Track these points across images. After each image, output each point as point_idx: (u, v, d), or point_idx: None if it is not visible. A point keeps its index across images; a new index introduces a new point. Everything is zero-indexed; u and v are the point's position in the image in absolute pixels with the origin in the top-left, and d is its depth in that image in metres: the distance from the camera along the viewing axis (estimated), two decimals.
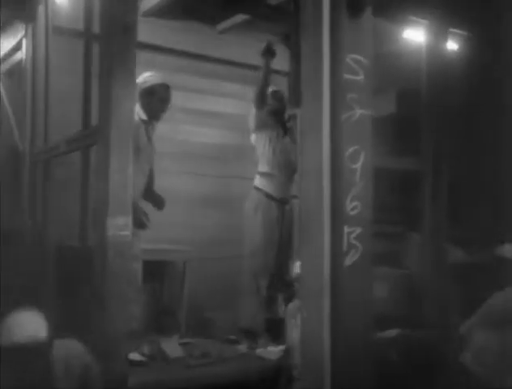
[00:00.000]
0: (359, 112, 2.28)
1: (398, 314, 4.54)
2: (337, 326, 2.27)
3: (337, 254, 2.27)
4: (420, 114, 4.32)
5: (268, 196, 4.57)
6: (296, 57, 2.91)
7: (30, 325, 2.29)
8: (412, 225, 4.79)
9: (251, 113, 4.70)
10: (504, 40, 4.66)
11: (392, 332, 4.42)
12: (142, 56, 4.97)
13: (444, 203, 4.39)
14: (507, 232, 4.51)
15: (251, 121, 4.73)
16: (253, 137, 4.77)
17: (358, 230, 2.28)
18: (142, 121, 4.21)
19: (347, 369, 2.30)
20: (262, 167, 4.65)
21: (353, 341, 2.30)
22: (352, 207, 2.28)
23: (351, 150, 2.28)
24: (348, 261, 2.27)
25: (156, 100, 4.25)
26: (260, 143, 4.70)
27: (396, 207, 5.31)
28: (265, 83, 4.57)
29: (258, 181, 4.64)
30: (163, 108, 4.32)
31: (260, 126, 4.68)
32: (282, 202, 4.62)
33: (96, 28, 3.97)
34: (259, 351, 3.96)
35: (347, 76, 2.27)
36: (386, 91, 5.18)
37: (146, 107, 4.23)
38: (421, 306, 4.33)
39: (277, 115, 4.78)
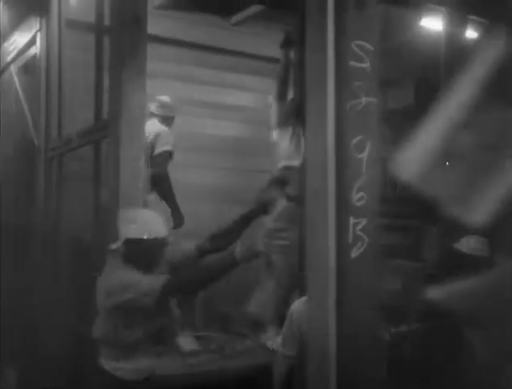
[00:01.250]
0: (365, 100, 2.22)
1: (413, 308, 4.47)
2: (343, 318, 2.21)
3: (343, 246, 2.21)
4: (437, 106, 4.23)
5: (288, 197, 4.39)
6: (300, 46, 2.84)
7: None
8: (429, 219, 4.72)
9: (273, 107, 4.51)
10: None
11: (407, 327, 4.36)
12: (157, 49, 4.99)
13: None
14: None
15: (273, 117, 4.52)
16: (275, 133, 4.54)
17: (364, 221, 2.22)
18: None
19: (353, 363, 2.24)
20: (286, 163, 4.43)
21: (359, 334, 2.24)
22: (358, 198, 2.21)
23: (356, 139, 2.21)
24: (354, 253, 2.21)
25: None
26: (283, 140, 4.45)
27: (413, 200, 5.21)
28: (285, 76, 4.40)
29: None
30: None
31: (283, 122, 4.45)
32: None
33: (108, 21, 3.96)
34: (269, 342, 3.93)
35: (352, 63, 2.20)
36: (403, 81, 5.09)
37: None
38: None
39: (302, 109, 4.62)
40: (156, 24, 4.74)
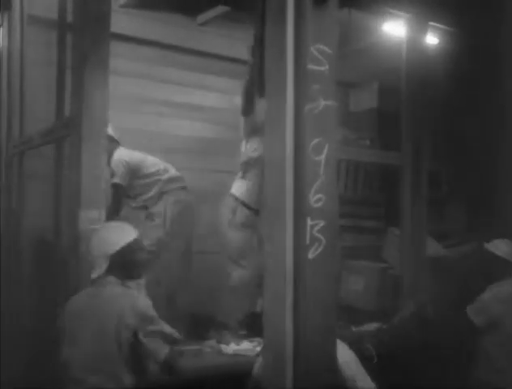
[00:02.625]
0: (323, 103, 2.24)
1: (376, 308, 4.54)
2: (300, 318, 2.23)
3: (300, 247, 2.23)
4: (400, 109, 4.30)
5: (245, 205, 4.32)
6: (260, 47, 2.86)
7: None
8: (392, 220, 4.79)
9: (241, 120, 4.37)
10: (486, 34, 4.63)
11: (370, 326, 4.42)
12: (121, 47, 4.95)
13: (423, 198, 4.38)
14: (487, 229, 4.50)
15: (241, 129, 4.40)
16: (243, 144, 4.44)
17: (322, 223, 2.24)
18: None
19: (310, 363, 2.26)
20: (246, 174, 4.35)
21: (316, 334, 2.26)
22: (316, 199, 2.23)
23: (314, 142, 2.23)
24: (311, 254, 2.23)
25: None
26: (249, 151, 4.34)
27: (376, 202, 5.30)
28: (251, 87, 4.11)
29: (238, 189, 4.36)
30: None
31: (250, 133, 4.33)
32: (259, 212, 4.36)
33: (71, 18, 3.91)
34: (234, 348, 3.91)
35: (311, 66, 2.22)
36: (367, 85, 5.16)
37: None
38: (399, 300, 4.33)
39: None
40: (121, 22, 4.72)
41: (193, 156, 5.59)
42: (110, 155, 4.42)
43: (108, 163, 4.35)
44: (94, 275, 2.87)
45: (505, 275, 3.72)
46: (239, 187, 4.34)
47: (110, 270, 2.85)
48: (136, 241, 2.95)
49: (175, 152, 5.48)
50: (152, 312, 2.78)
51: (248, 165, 4.33)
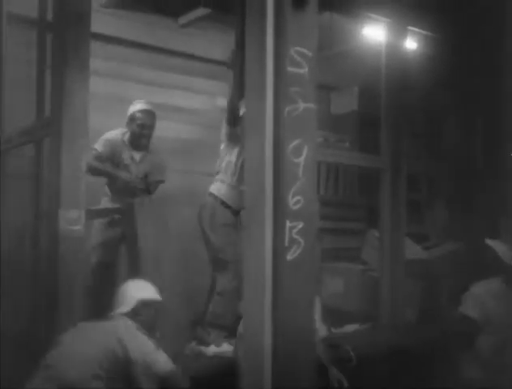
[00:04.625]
0: (302, 105, 2.26)
1: (356, 310, 4.58)
2: (279, 319, 2.24)
3: (279, 249, 2.24)
4: (380, 112, 4.35)
5: (224, 204, 4.34)
6: (241, 49, 2.87)
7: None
8: (371, 222, 4.83)
9: (223, 126, 4.33)
10: (465, 40, 4.69)
11: (350, 328, 4.46)
12: (104, 48, 4.94)
13: (403, 200, 4.43)
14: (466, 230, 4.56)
15: (222, 135, 4.37)
16: (222, 146, 4.41)
17: (300, 225, 2.26)
18: (124, 143, 4.59)
19: (289, 363, 2.28)
20: (226, 177, 4.31)
21: (295, 335, 2.28)
22: (295, 201, 2.25)
23: (294, 144, 2.25)
24: (290, 256, 2.25)
25: (136, 126, 4.58)
26: (230, 155, 4.33)
27: (356, 204, 5.35)
28: (236, 98, 4.13)
29: (217, 189, 4.31)
30: (143, 133, 4.63)
31: (233, 140, 4.31)
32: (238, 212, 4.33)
33: (51, 17, 3.89)
34: (214, 350, 3.91)
35: (290, 69, 2.24)
36: (347, 88, 5.20)
37: (130, 133, 4.61)
38: (378, 301, 4.36)
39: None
40: (102, 22, 4.70)
41: (174, 157, 5.58)
42: None
43: None
44: (119, 311, 3.07)
45: (497, 273, 3.75)
46: (218, 187, 4.34)
47: (131, 313, 3.06)
48: (160, 304, 3.20)
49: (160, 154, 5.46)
50: (150, 359, 2.83)
51: (228, 168, 4.34)
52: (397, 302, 4.36)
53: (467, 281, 3.80)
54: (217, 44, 5.01)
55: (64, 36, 3.53)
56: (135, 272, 4.33)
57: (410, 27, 4.23)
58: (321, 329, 4.04)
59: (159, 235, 4.79)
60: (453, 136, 5.09)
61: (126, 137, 4.66)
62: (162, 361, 2.85)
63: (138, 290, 3.18)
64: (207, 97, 5.39)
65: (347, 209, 5.41)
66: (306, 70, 2.28)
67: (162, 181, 4.79)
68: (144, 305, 3.10)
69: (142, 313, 3.09)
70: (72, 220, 3.48)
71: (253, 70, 2.29)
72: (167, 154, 5.51)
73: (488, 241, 3.84)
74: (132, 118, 4.60)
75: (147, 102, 4.68)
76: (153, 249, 4.70)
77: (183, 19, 5.27)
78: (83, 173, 3.54)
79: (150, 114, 4.64)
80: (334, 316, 4.45)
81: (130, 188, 4.54)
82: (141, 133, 4.63)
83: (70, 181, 3.47)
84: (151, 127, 4.68)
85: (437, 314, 4.35)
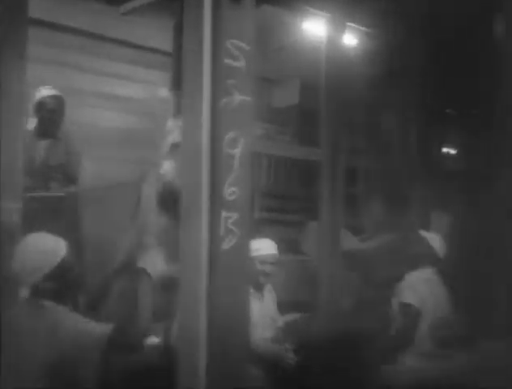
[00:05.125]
0: (239, 98, 2.29)
1: (296, 299, 4.67)
2: (213, 308, 2.29)
3: (215, 239, 2.28)
4: (320, 106, 4.43)
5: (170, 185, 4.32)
6: (178, 39, 2.89)
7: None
8: (311, 214, 4.92)
9: (168, 97, 4.42)
10: (404, 36, 4.82)
11: (290, 317, 4.54)
12: (43, 34, 4.83)
13: (340, 193, 4.53)
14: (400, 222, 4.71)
15: (169, 107, 4.43)
16: (169, 123, 4.48)
17: (235, 216, 2.30)
18: (36, 134, 4.42)
19: (224, 352, 2.32)
20: (174, 157, 4.37)
21: (229, 324, 2.32)
22: (230, 192, 2.29)
23: (229, 135, 2.28)
24: (225, 245, 2.29)
25: (45, 111, 4.44)
26: (177, 130, 4.40)
27: (296, 196, 5.44)
28: (179, 65, 4.21)
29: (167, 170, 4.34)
30: (53, 119, 4.49)
31: (179, 112, 4.39)
32: None
33: None
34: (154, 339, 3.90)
35: (227, 61, 2.27)
36: (289, 82, 5.28)
37: (38, 120, 4.45)
38: (317, 291, 4.46)
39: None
40: (43, 9, 4.61)
41: (116, 146, 5.52)
42: None
43: None
44: (25, 294, 2.61)
45: (429, 263, 3.90)
46: (165, 167, 4.32)
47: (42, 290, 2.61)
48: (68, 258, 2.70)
49: (98, 143, 5.40)
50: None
51: (174, 147, 4.31)
52: (335, 292, 4.47)
53: (401, 271, 3.94)
54: (158, 33, 4.97)
55: (0, 21, 3.44)
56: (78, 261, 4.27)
57: (349, 23, 4.32)
58: (277, 318, 4.13)
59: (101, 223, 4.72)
60: (390, 132, 5.24)
61: (33, 125, 4.50)
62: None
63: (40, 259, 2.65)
64: (149, 86, 5.35)
65: (288, 201, 5.49)
66: (243, 62, 2.31)
67: (77, 169, 4.63)
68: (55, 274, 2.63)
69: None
70: (10, 211, 3.42)
71: (191, 60, 2.31)
72: (108, 143, 5.46)
73: (421, 233, 4.00)
74: (40, 104, 4.46)
75: (53, 87, 4.57)
76: (96, 237, 4.64)
77: (125, 8, 5.20)
78: (21, 162, 3.48)
79: (58, 99, 4.52)
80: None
81: (45, 175, 4.43)
82: (50, 118, 4.50)
83: (7, 169, 3.41)
84: (61, 113, 4.56)
85: (373, 302, 4.48)
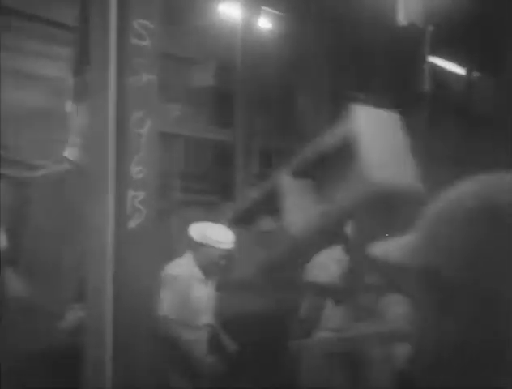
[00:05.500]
0: (145, 77, 2.30)
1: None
2: (120, 285, 2.30)
3: (121, 217, 2.29)
4: (235, 88, 4.48)
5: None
6: (85, 14, 2.84)
7: None
8: (226, 194, 4.99)
9: (70, 79, 4.32)
10: (317, 21, 4.92)
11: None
12: None
13: (255, 174, 4.63)
14: None
15: (71, 89, 4.33)
16: (70, 104, 4.39)
17: (142, 194, 2.31)
18: None
19: (130, 327, 2.34)
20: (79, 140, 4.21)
21: (136, 300, 2.34)
22: (137, 171, 2.30)
23: (136, 115, 2.29)
24: (132, 224, 2.30)
25: None
26: (81, 113, 4.17)
27: (212, 177, 5.48)
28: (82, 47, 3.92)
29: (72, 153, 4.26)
30: None
31: (81, 94, 4.16)
32: None
33: None
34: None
35: (134, 41, 2.27)
36: (205, 63, 5.28)
37: None
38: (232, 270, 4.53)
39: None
40: None
41: (24, 125, 5.34)
42: None
43: None
44: None
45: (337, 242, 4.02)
46: (72, 151, 4.23)
47: None
48: None
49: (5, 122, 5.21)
50: None
51: (81, 127, 4.24)
52: (250, 272, 4.56)
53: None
54: (65, 8, 4.83)
55: None
56: None
57: (264, 7, 4.38)
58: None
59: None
60: (304, 114, 5.36)
61: None
62: None
63: None
64: (57, 63, 5.20)
65: (204, 182, 5.51)
66: (149, 42, 2.32)
67: None
68: None
69: None
70: None
71: (98, 38, 2.30)
72: (17, 122, 5.27)
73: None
74: None
75: None
76: None
77: None
78: None
79: None
80: None
81: None
82: None
83: None
84: None
85: (288, 282, 4.59)
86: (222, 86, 4.97)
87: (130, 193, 2.30)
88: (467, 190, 0.65)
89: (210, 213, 5.41)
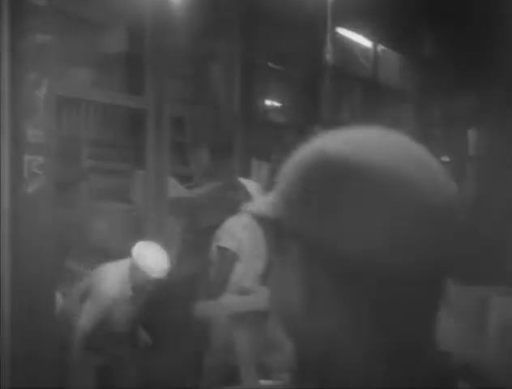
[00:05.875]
0: (42, 37, 2.23)
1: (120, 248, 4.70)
2: (17, 251, 2.26)
3: (18, 182, 2.24)
4: (147, 55, 4.40)
5: None
6: None
7: None
8: (137, 162, 4.93)
9: None
10: None
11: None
12: None
13: (167, 142, 4.59)
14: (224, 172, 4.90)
15: None
16: None
17: (40, 159, 2.27)
18: None
19: (29, 296, 2.31)
20: None
21: (34, 266, 2.31)
22: (34, 135, 2.25)
23: (32, 75, 2.22)
24: (30, 189, 2.25)
25: None
26: None
27: (123, 144, 5.40)
28: None
29: None
30: None
31: None
32: None
33: None
34: None
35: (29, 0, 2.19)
36: (117, 28, 5.16)
37: None
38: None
39: None
40: None
41: None
42: None
43: None
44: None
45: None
46: None
47: None
48: None
49: None
50: None
51: None
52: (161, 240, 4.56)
53: (223, 218, 4.12)
54: None
55: None
56: None
57: None
58: None
59: None
60: (216, 82, 5.36)
61: None
62: None
63: None
64: None
65: (115, 150, 5.42)
66: (46, 1, 2.25)
67: None
68: None
69: None
70: None
71: None
72: None
73: (241, 180, 4.20)
74: None
75: None
76: None
77: None
78: None
79: None
80: (100, 255, 4.51)
81: None
82: None
83: None
84: None
85: (196, 248, 4.63)
86: (133, 52, 4.87)
87: (26, 157, 2.25)
88: (310, 144, 0.69)
89: (121, 181, 5.36)
